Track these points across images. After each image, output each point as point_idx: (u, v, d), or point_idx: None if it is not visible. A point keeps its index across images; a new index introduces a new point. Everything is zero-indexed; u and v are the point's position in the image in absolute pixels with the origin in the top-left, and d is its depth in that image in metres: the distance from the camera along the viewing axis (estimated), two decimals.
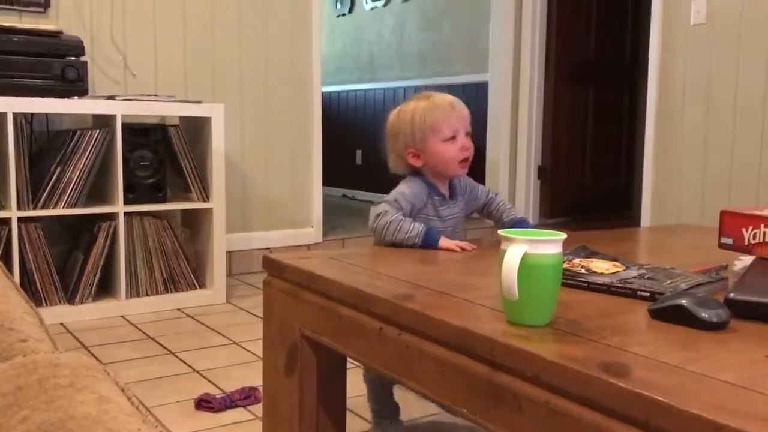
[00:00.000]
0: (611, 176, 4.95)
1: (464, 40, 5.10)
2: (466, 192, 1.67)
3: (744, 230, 1.20)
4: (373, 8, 5.97)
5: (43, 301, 2.62)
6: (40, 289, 2.61)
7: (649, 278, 1.09)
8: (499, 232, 0.93)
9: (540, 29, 4.46)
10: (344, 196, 6.05)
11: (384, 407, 1.70)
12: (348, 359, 1.28)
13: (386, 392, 1.70)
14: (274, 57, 3.54)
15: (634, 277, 1.09)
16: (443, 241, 1.45)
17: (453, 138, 1.55)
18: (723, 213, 1.24)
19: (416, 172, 1.60)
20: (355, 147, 5.97)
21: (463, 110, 1.59)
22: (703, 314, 0.88)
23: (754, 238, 1.18)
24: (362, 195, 5.75)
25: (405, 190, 1.56)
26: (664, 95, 3.51)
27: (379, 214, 1.49)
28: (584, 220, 4.60)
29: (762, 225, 1.17)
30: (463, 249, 1.43)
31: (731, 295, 0.94)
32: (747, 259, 1.22)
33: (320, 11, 3.73)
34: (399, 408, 1.72)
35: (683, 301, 0.90)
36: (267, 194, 3.58)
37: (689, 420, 0.64)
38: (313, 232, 3.74)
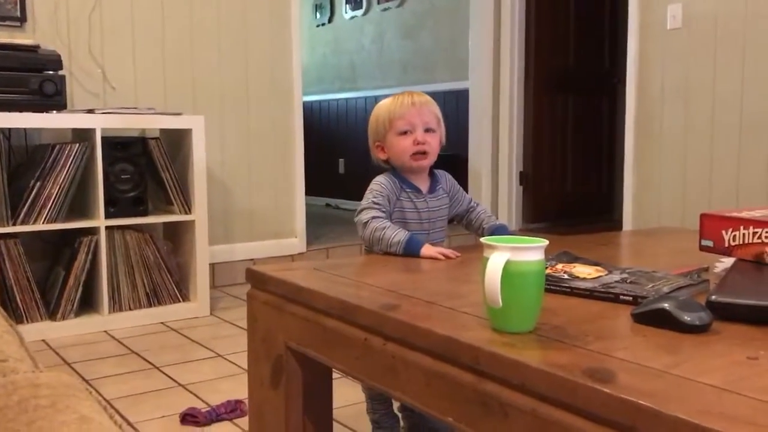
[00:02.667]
0: (592, 181, 4.98)
1: (444, 48, 5.12)
2: (451, 191, 1.68)
3: (724, 232, 1.21)
4: (352, 17, 5.99)
5: (25, 318, 2.59)
6: (21, 305, 2.58)
7: (631, 282, 1.09)
8: (482, 239, 0.93)
9: (519, 37, 4.49)
10: (327, 205, 6.04)
11: (383, 418, 1.70)
12: (334, 370, 1.28)
13: (385, 403, 1.69)
14: (254, 68, 3.54)
15: (617, 282, 1.10)
16: (425, 249, 1.44)
17: (408, 132, 1.58)
18: (703, 216, 1.26)
19: (388, 167, 1.64)
20: (338, 156, 5.97)
21: (423, 107, 1.61)
22: (686, 317, 0.89)
23: (734, 240, 1.20)
24: (346, 204, 5.75)
25: (376, 187, 1.58)
26: (643, 100, 3.54)
27: (366, 223, 1.51)
28: (566, 225, 4.63)
29: (742, 227, 1.19)
30: (446, 257, 1.43)
31: (713, 297, 0.95)
32: (727, 261, 1.23)
33: (299, 21, 3.73)
34: (399, 419, 1.71)
35: (666, 305, 0.91)
36: (249, 205, 3.57)
37: (674, 424, 0.64)
38: (296, 242, 3.73)
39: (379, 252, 1.51)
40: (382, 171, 1.65)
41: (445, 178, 1.69)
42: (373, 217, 1.51)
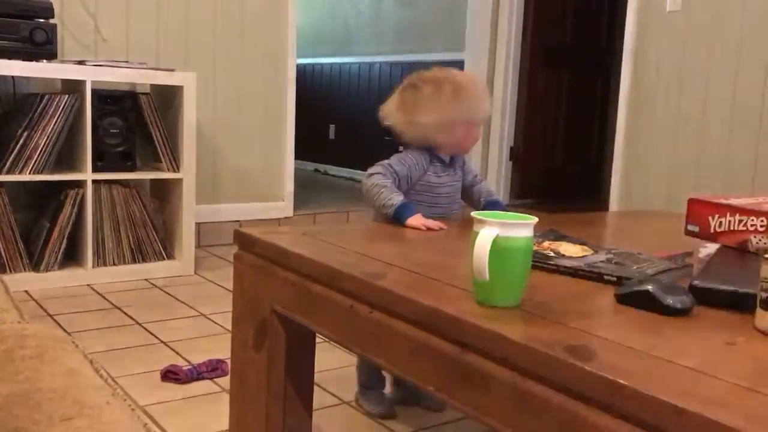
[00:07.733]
0: (582, 160, 5.00)
1: (442, 17, 5.07)
2: (463, 165, 1.72)
3: (710, 218, 1.22)
4: None
5: (7, 268, 2.58)
6: (3, 255, 2.57)
7: (616, 263, 1.10)
8: (472, 214, 0.93)
9: (517, 10, 4.45)
10: (316, 170, 6.02)
11: (370, 378, 1.72)
12: (317, 335, 1.29)
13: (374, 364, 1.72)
14: (249, 27, 3.49)
15: (602, 262, 1.11)
16: (411, 219, 1.45)
17: (476, 125, 1.65)
18: (690, 201, 1.26)
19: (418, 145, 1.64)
20: (329, 121, 5.92)
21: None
22: (668, 300, 0.90)
23: (719, 226, 1.21)
24: (335, 170, 5.72)
25: (406, 157, 1.61)
26: (637, 81, 3.54)
27: (371, 175, 1.55)
28: (554, 202, 4.65)
29: (728, 214, 1.20)
30: (429, 228, 1.44)
31: (695, 282, 0.96)
32: (712, 247, 1.24)
33: None
34: (385, 380, 1.75)
35: (649, 287, 0.92)
36: (238, 166, 3.55)
37: (650, 403, 0.66)
38: (284, 206, 3.72)
39: (372, 207, 1.55)
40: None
41: None
42: (380, 174, 1.54)
